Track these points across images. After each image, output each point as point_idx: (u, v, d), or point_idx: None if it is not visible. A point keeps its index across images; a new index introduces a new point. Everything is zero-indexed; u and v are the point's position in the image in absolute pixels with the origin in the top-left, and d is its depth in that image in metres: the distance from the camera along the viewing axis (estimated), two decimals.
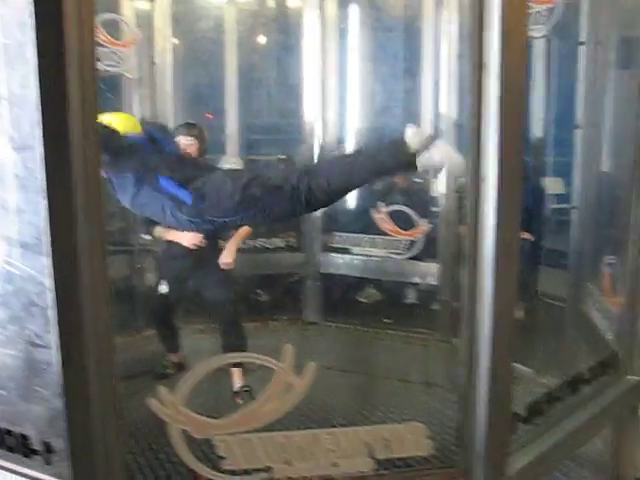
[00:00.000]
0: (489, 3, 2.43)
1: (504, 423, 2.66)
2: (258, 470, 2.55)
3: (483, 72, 2.48)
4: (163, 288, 4.71)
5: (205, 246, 4.57)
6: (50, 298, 2.33)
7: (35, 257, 2.41)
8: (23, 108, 2.32)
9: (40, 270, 2.38)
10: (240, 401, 4.30)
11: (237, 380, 4.49)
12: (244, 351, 4.36)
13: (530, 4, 4.43)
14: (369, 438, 2.60)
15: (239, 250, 4.96)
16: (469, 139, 2.55)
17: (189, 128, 4.67)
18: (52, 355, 2.39)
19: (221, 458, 2.50)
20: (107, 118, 3.99)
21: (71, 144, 2.21)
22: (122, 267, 5.73)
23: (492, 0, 2.41)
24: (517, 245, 2.62)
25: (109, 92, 5.72)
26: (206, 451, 2.56)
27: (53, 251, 2.26)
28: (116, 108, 5.60)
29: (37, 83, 2.18)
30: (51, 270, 2.30)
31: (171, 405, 2.45)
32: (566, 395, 3.21)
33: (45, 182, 2.22)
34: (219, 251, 4.70)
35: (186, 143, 4.56)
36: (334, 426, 3.73)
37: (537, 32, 4.55)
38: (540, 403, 3.03)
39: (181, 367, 4.82)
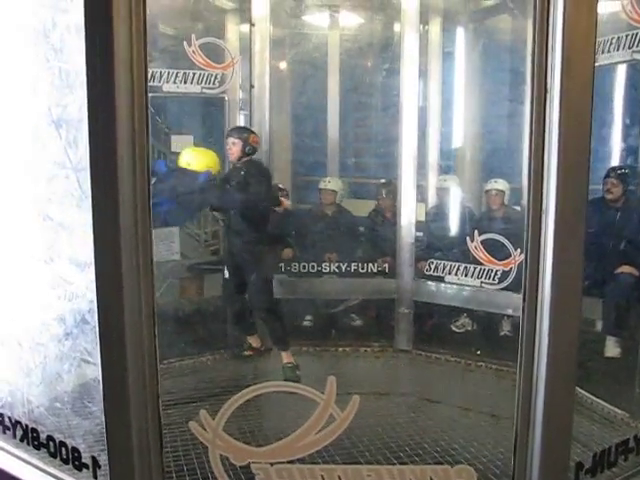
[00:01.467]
0: (553, 27, 2.30)
1: (561, 472, 2.49)
2: None
3: (546, 98, 2.35)
4: (226, 273, 5.09)
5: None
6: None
7: (88, 275, 2.47)
8: (80, 130, 2.40)
9: (92, 288, 2.44)
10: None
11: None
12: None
13: (636, 25, 4.23)
14: (414, 478, 2.49)
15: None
16: (530, 168, 2.41)
17: (238, 131, 5.02)
18: (99, 372, 2.44)
19: None
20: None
21: (118, 166, 2.25)
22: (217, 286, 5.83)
23: (556, 24, 2.29)
24: (579, 281, 2.44)
25: (211, 113, 5.89)
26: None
27: (97, 269, 2.30)
28: (216, 129, 5.78)
29: (87, 106, 2.24)
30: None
31: (211, 430, 2.44)
32: None
33: (92, 201, 2.27)
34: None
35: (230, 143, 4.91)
36: (412, 458, 3.65)
37: None
38: (612, 453, 2.81)
39: (260, 352, 5.25)
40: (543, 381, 2.43)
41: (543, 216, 2.38)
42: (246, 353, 5.25)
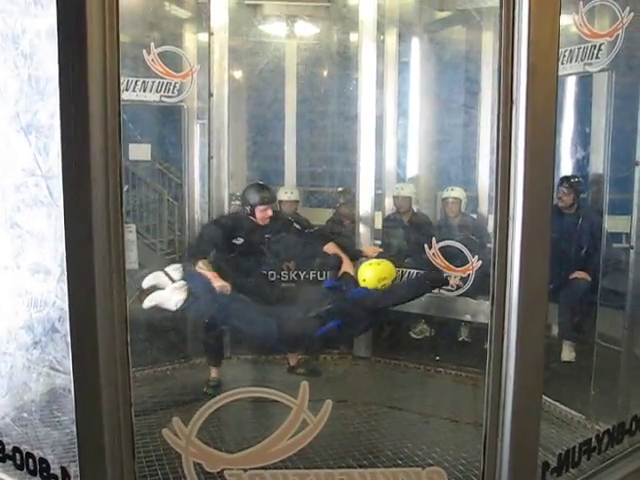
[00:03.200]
0: (518, 39, 2.37)
1: (530, 472, 2.55)
2: None
3: (512, 108, 2.41)
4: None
5: None
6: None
7: (58, 284, 2.45)
8: (50, 137, 2.38)
9: (62, 297, 2.42)
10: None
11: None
12: None
13: (587, 39, 4.36)
14: None
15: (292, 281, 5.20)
16: (498, 176, 2.47)
17: (270, 194, 5.02)
18: (70, 381, 2.42)
19: None
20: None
21: (91, 173, 2.23)
22: None
23: (521, 36, 2.36)
24: (546, 285, 2.52)
25: (169, 122, 5.87)
26: None
27: (69, 277, 2.28)
28: (174, 137, 5.75)
29: (60, 113, 2.22)
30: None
31: (184, 437, 2.44)
32: (607, 446, 3.05)
33: (64, 208, 2.25)
34: None
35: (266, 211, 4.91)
36: (375, 465, 3.67)
37: (594, 67, 4.42)
38: (576, 453, 2.88)
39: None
40: (511, 384, 2.49)
41: (510, 222, 2.44)
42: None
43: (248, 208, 4.94)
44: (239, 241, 4.92)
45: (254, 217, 4.92)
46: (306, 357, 5.30)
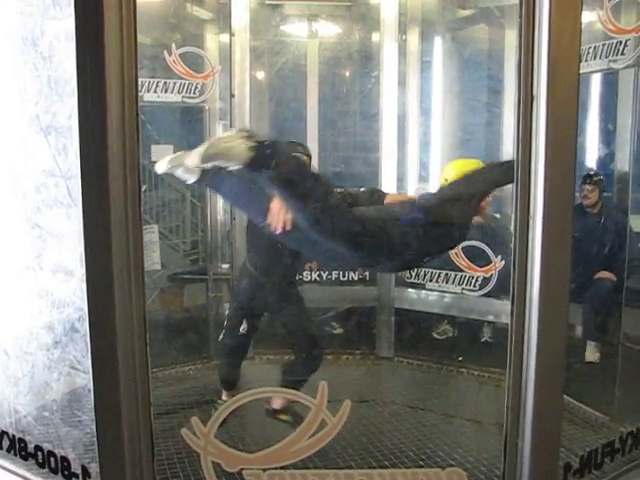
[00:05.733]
0: (539, 35, 2.35)
1: (551, 474, 2.52)
2: None
3: (533, 104, 2.39)
4: (243, 327, 4.29)
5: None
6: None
7: (77, 283, 2.47)
8: (69, 138, 2.40)
9: (81, 297, 2.43)
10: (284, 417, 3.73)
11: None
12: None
13: (612, 35, 4.30)
14: None
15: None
16: (518, 173, 2.44)
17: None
18: (90, 380, 2.43)
19: None
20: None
21: (109, 173, 2.24)
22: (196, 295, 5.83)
23: (542, 32, 2.33)
24: (567, 285, 2.48)
25: (191, 122, 5.89)
26: None
27: (88, 277, 2.30)
28: (196, 138, 5.76)
29: (78, 114, 2.23)
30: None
31: (203, 437, 2.44)
32: (631, 448, 3.01)
33: (82, 209, 2.26)
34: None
35: None
36: (397, 466, 3.65)
37: (619, 63, 4.36)
38: (598, 454, 2.84)
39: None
40: (532, 385, 2.46)
41: (530, 221, 2.42)
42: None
43: None
44: None
45: None
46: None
